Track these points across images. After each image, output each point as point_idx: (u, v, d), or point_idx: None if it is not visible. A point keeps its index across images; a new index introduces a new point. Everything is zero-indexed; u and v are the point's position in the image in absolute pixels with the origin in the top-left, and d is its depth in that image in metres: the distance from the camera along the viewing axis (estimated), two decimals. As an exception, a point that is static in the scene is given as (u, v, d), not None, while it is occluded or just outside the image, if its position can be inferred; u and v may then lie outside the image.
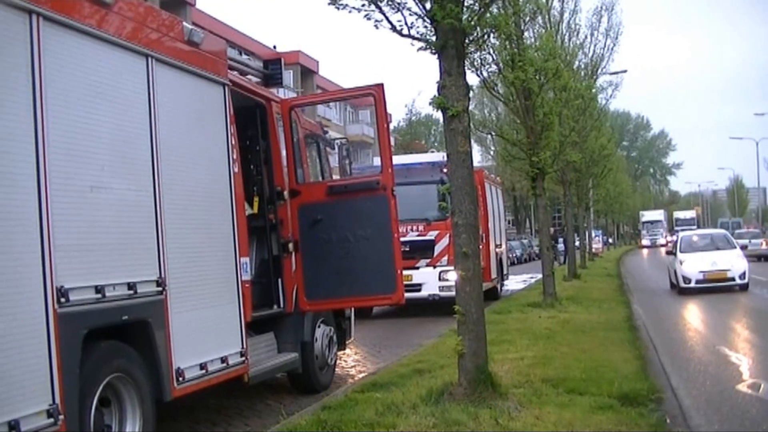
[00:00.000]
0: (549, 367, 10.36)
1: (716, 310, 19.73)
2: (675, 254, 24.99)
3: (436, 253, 19.99)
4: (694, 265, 23.64)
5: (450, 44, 8.44)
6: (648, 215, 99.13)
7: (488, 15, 8.85)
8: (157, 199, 7.24)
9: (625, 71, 32.81)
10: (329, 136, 13.11)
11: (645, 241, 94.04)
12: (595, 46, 28.95)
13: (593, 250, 54.25)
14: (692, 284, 23.35)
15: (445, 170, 9.84)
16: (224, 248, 8.49)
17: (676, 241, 26.55)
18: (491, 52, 17.83)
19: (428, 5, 8.33)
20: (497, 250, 25.36)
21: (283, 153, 10.59)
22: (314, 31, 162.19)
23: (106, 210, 6.56)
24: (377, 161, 11.78)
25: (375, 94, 10.10)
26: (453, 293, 8.87)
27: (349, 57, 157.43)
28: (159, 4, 34.71)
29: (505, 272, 27.60)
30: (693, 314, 19.69)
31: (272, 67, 11.39)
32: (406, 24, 8.58)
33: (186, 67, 8.02)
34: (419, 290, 19.67)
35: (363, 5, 8.58)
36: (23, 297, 5.56)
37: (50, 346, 5.69)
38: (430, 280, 19.92)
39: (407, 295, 10.98)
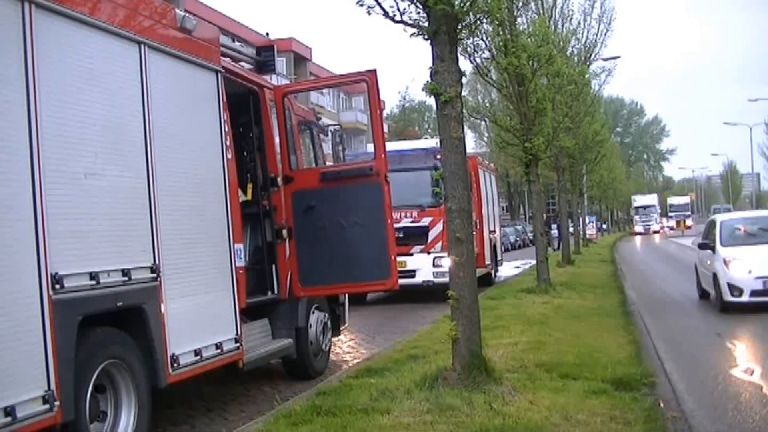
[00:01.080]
0: (543, 353, 10.41)
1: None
2: (713, 249, 16.37)
3: (430, 240, 20.02)
4: (748, 267, 15.21)
5: (442, 30, 8.43)
6: (640, 200, 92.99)
7: (480, 0, 8.85)
8: (150, 186, 7.25)
9: (618, 57, 32.78)
10: (322, 122, 13.11)
11: (638, 228, 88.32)
12: (588, 31, 28.89)
13: (587, 236, 54.33)
14: (745, 297, 15.14)
15: (438, 156, 9.85)
16: (218, 235, 8.50)
17: (710, 227, 18.08)
18: (484, 38, 17.85)
19: (420, -9, 8.32)
20: (491, 236, 25.40)
21: (277, 140, 10.60)
22: (307, 18, 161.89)
23: (100, 197, 6.57)
24: (371, 148, 11.79)
25: (368, 81, 10.09)
26: (447, 279, 8.89)
27: (342, 44, 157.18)
28: (151, -9, 34.53)
29: (499, 258, 27.65)
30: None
31: (265, 54, 11.37)
32: (398, 10, 8.57)
33: (179, 54, 8.01)
34: (413, 276, 19.69)
35: (355, -9, 8.57)
36: (18, 284, 5.57)
37: (45, 332, 5.71)
38: (424, 266, 19.95)
39: (401, 281, 10.99)
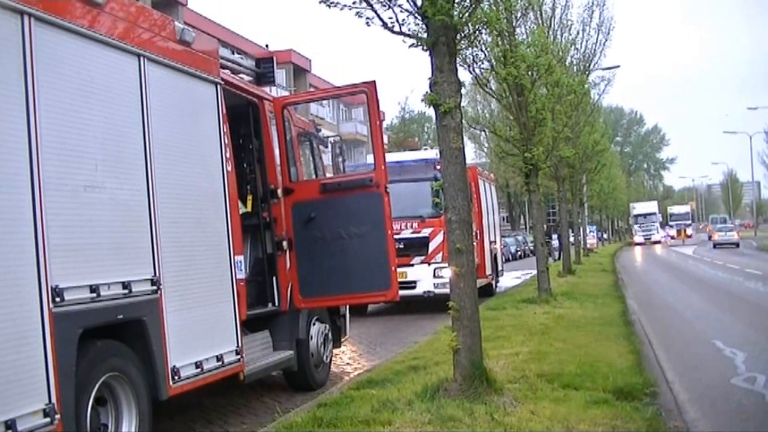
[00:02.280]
0: (544, 363, 10.38)
1: None
2: None
3: (430, 250, 20.00)
4: None
5: (441, 41, 8.44)
6: (640, 207, 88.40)
7: (479, 11, 8.86)
8: (150, 198, 7.25)
9: (617, 66, 32.81)
10: (322, 134, 13.12)
11: (638, 238, 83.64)
12: (587, 41, 28.91)
13: (588, 245, 54.29)
14: None
15: (438, 167, 9.88)
16: (218, 247, 8.49)
17: None
18: (483, 48, 17.84)
19: (419, 1, 8.33)
20: (492, 246, 25.38)
21: (277, 151, 10.61)
22: (306, 30, 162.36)
23: (100, 209, 6.57)
24: (370, 159, 11.81)
25: (367, 92, 10.11)
26: (448, 290, 8.88)
27: (342, 55, 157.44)
28: (150, 3, 34.65)
29: (499, 268, 27.63)
30: None
31: (264, 65, 11.39)
32: (397, 21, 8.57)
33: (178, 67, 8.02)
34: (414, 287, 19.66)
35: (354, 2, 8.58)
36: (18, 297, 5.56)
37: (46, 345, 5.70)
38: (424, 277, 19.93)
39: (402, 292, 10.99)
